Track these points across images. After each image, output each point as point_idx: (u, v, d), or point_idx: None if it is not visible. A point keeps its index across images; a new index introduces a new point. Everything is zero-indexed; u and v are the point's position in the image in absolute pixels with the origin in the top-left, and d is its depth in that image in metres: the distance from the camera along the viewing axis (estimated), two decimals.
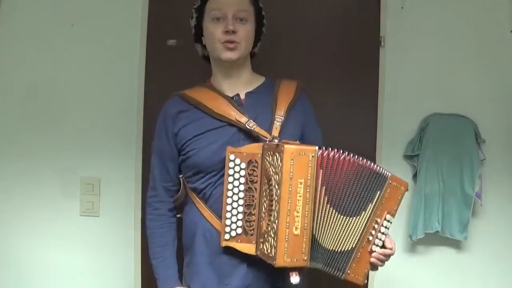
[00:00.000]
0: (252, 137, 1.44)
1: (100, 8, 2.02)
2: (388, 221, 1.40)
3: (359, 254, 1.38)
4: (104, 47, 2.02)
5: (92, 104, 2.03)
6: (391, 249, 1.40)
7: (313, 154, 1.30)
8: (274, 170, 1.33)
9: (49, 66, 2.04)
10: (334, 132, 1.97)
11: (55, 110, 2.04)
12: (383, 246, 1.40)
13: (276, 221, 1.29)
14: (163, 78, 2.01)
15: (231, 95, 1.51)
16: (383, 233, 1.39)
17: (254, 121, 1.44)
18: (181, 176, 1.53)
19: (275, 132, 1.43)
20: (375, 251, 1.38)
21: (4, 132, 2.06)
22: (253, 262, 1.41)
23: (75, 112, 2.04)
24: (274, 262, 1.29)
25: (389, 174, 1.39)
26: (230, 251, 1.42)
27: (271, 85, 1.56)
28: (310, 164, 1.30)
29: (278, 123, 1.45)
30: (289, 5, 2.00)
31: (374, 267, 1.41)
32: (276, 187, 1.31)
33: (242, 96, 1.52)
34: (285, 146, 1.29)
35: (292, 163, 1.28)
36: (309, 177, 1.30)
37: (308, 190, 1.30)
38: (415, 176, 2.01)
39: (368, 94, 2.02)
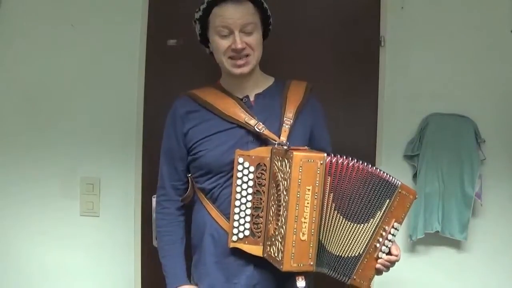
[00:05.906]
0: (261, 140, 1.45)
1: (100, 8, 2.02)
2: (396, 228, 1.40)
3: (366, 260, 1.38)
4: (104, 47, 2.02)
5: (92, 104, 2.03)
6: (396, 255, 1.41)
7: (321, 162, 1.30)
8: (282, 176, 1.32)
9: (49, 66, 2.03)
10: (334, 132, 1.96)
11: (55, 110, 2.04)
12: (389, 253, 1.40)
13: (284, 226, 1.29)
14: (163, 78, 2.01)
15: (240, 96, 1.51)
16: (390, 240, 1.39)
17: (263, 123, 1.44)
18: (189, 175, 1.53)
19: (284, 135, 1.42)
20: (381, 258, 1.39)
21: (4, 132, 2.06)
22: (260, 262, 1.42)
23: (75, 112, 2.04)
24: (281, 267, 1.30)
25: (399, 182, 1.38)
26: (238, 252, 1.43)
27: (280, 86, 1.55)
28: (318, 172, 1.29)
29: (287, 126, 1.44)
30: (288, 5, 1.99)
31: (379, 272, 1.42)
32: (284, 193, 1.31)
33: (252, 98, 1.52)
34: (294, 153, 1.29)
35: (300, 170, 1.28)
36: (317, 184, 1.30)
37: (316, 196, 1.30)
38: (415, 176, 2.01)
39: (368, 94, 2.02)
